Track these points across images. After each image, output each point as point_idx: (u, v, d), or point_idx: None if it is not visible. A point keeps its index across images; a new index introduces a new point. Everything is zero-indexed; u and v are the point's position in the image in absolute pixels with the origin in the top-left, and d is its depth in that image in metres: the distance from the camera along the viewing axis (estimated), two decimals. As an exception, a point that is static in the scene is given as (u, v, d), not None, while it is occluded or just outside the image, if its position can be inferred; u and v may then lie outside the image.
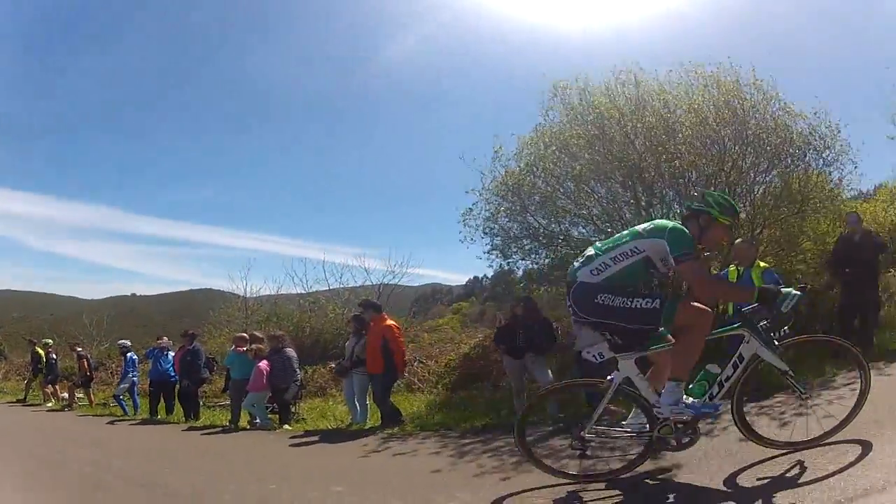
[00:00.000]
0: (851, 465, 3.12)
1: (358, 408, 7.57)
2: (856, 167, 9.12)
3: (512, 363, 6.86)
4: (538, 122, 9.46)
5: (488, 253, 9.53)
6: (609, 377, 3.64)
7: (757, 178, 9.08)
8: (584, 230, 9.30)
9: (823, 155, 9.09)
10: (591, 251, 3.61)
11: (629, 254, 3.44)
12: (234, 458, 6.51)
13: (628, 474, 3.63)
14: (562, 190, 9.09)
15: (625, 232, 3.71)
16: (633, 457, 3.66)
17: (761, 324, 3.43)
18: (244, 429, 8.33)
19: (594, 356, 3.66)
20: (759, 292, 3.45)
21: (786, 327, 3.60)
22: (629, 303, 3.31)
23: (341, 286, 14.59)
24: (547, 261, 9.51)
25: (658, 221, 3.70)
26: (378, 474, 5.11)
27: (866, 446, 3.31)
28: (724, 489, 3.26)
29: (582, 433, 3.65)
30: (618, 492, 3.57)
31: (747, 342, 3.46)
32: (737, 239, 6.54)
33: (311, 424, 8.24)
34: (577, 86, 9.31)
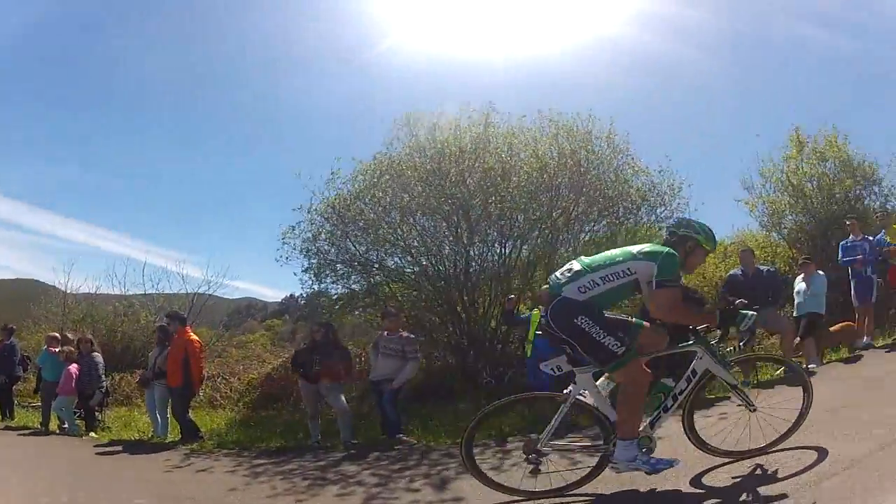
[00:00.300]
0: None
1: (159, 420, 7.46)
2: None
3: (307, 387, 6.79)
4: (379, 150, 9.51)
5: (303, 272, 9.52)
6: (566, 390, 3.67)
7: (584, 227, 9.33)
8: (399, 260, 9.38)
9: (657, 211, 9.48)
10: (576, 266, 3.57)
11: (621, 275, 3.44)
12: (40, 464, 6.31)
13: (583, 487, 3.65)
14: (386, 219, 9.08)
15: (616, 251, 3.67)
16: (589, 469, 3.66)
17: (713, 342, 3.61)
18: (54, 432, 8.07)
19: (552, 369, 3.69)
20: (720, 314, 3.61)
21: (742, 343, 4.06)
22: (601, 337, 3.33)
23: (157, 292, 14.11)
24: (357, 286, 9.52)
25: (653, 245, 3.68)
26: (179, 489, 5.08)
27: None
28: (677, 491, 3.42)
29: (538, 447, 3.58)
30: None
31: (700, 358, 3.57)
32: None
33: (115, 434, 8.04)
34: (427, 119, 9.47)
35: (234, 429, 7.78)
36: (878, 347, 7.67)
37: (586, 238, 9.40)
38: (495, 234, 9.06)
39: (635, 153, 9.69)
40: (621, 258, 3.51)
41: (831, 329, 7.87)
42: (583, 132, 9.41)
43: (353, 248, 9.27)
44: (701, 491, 3.43)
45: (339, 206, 9.22)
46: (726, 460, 3.70)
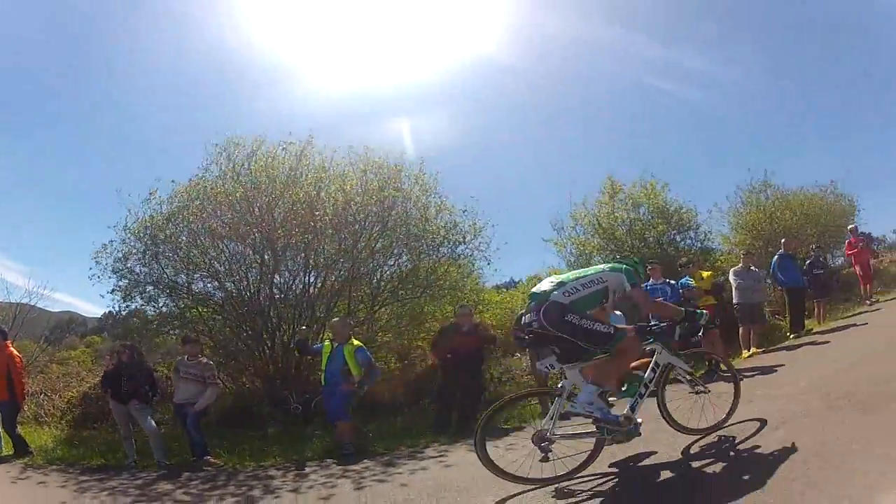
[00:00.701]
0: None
1: (-4, 435, 7.40)
2: (489, 263, 10.52)
3: (118, 408, 6.89)
4: (196, 174, 9.60)
5: (110, 293, 9.48)
6: (560, 385, 4.35)
7: (388, 260, 9.92)
8: (206, 285, 9.59)
9: (458, 248, 10.18)
10: (561, 278, 4.33)
11: (595, 282, 4.24)
12: None
13: (587, 470, 4.25)
14: (197, 243, 9.28)
15: (589, 268, 4.68)
16: (587, 455, 4.29)
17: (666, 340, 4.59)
18: None
19: (547, 366, 4.61)
20: (685, 311, 4.78)
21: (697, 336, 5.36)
22: (592, 325, 4.06)
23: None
24: (165, 309, 9.60)
25: (615, 263, 4.80)
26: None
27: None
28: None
29: (547, 435, 4.10)
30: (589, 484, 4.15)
31: (660, 353, 4.53)
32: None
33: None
34: (246, 146, 9.69)
35: (60, 446, 7.75)
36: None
37: (388, 272, 10.01)
38: (300, 263, 9.47)
39: (444, 191, 10.37)
40: (594, 271, 4.45)
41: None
42: (392, 169, 10.00)
43: (162, 270, 9.36)
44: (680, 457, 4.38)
45: (152, 227, 9.34)
46: (695, 437, 4.63)
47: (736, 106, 44.96)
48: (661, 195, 13.40)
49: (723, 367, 5.96)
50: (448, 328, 8.17)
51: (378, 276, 9.87)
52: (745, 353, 8.96)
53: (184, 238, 9.28)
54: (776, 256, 10.63)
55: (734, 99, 45.67)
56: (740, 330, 9.21)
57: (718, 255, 13.76)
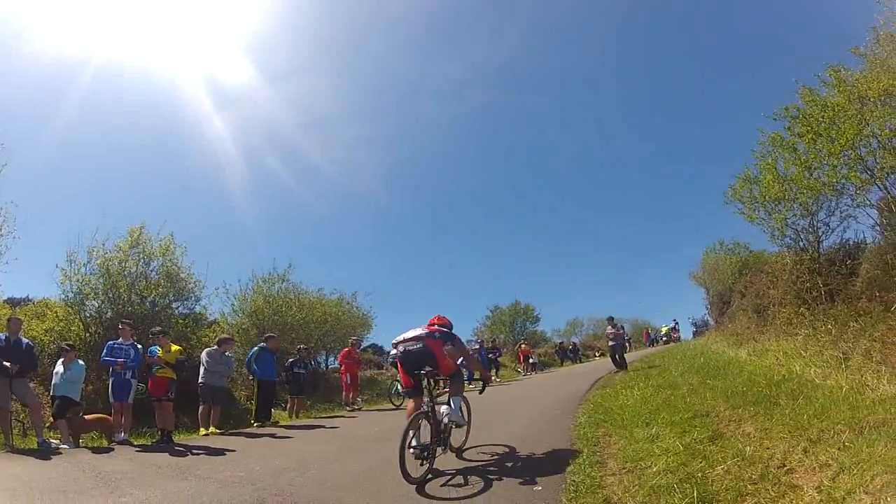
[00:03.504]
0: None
1: None
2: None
3: None
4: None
5: None
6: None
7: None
8: None
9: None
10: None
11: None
12: None
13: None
14: None
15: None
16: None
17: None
18: None
19: None
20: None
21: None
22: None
23: None
24: None
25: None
26: None
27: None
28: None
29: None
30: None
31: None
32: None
33: None
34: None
35: None
36: (135, 445, 8.04)
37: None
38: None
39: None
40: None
41: (87, 417, 8.49)
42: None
43: None
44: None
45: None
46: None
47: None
48: (177, 257, 13.13)
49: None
50: None
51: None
52: (203, 431, 9.06)
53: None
54: (256, 348, 10.99)
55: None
56: (201, 408, 9.29)
57: (212, 330, 13.94)
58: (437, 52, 72.02)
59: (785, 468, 4.06)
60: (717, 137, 70.72)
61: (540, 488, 4.44)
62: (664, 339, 39.34)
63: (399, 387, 11.98)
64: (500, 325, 35.37)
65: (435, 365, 5.40)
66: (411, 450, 4.78)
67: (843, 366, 7.16)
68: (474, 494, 4.34)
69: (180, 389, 8.76)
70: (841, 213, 10.20)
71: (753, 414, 5.94)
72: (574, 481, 4.50)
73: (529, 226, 76.72)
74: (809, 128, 9.69)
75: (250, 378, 11.40)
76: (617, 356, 16.08)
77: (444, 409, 5.37)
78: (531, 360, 24.87)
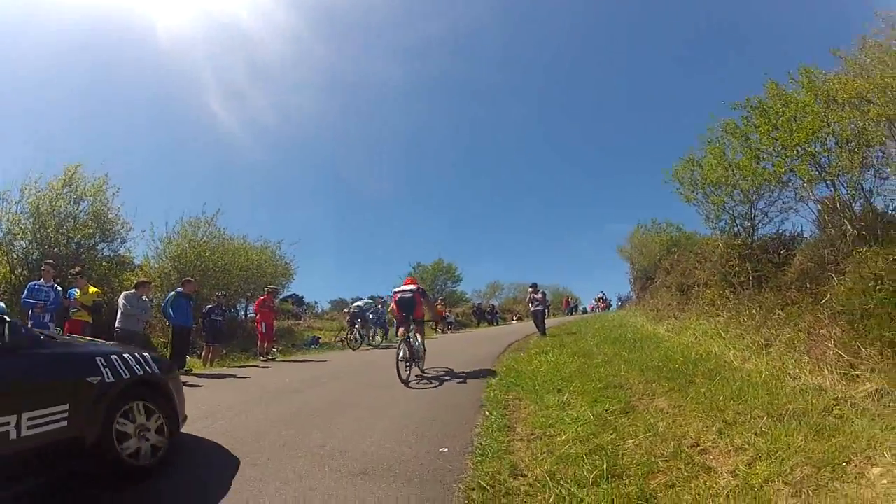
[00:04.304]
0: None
1: None
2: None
3: None
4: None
5: None
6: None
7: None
8: None
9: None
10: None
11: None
12: None
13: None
14: None
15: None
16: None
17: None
18: None
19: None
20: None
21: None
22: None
23: None
24: None
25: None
26: None
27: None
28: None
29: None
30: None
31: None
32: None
33: None
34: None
35: None
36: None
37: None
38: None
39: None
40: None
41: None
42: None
43: None
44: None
45: None
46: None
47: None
48: (108, 198, 12.94)
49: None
50: None
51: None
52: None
53: None
54: (172, 293, 10.66)
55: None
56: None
57: (135, 274, 13.73)
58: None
59: (698, 448, 4.04)
60: (669, 124, 72.20)
61: (446, 450, 4.43)
62: (588, 306, 40.97)
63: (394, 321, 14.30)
64: (422, 282, 36.11)
65: (413, 309, 8.88)
66: (401, 361, 8.03)
67: (764, 352, 7.05)
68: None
69: (97, 334, 8.55)
70: (783, 203, 10.16)
71: (668, 390, 5.90)
72: (481, 444, 4.54)
73: (464, 183, 77.60)
74: (767, 119, 9.52)
75: (167, 324, 11.35)
76: (538, 321, 16.83)
77: (414, 340, 8.67)
78: (448, 320, 25.63)
